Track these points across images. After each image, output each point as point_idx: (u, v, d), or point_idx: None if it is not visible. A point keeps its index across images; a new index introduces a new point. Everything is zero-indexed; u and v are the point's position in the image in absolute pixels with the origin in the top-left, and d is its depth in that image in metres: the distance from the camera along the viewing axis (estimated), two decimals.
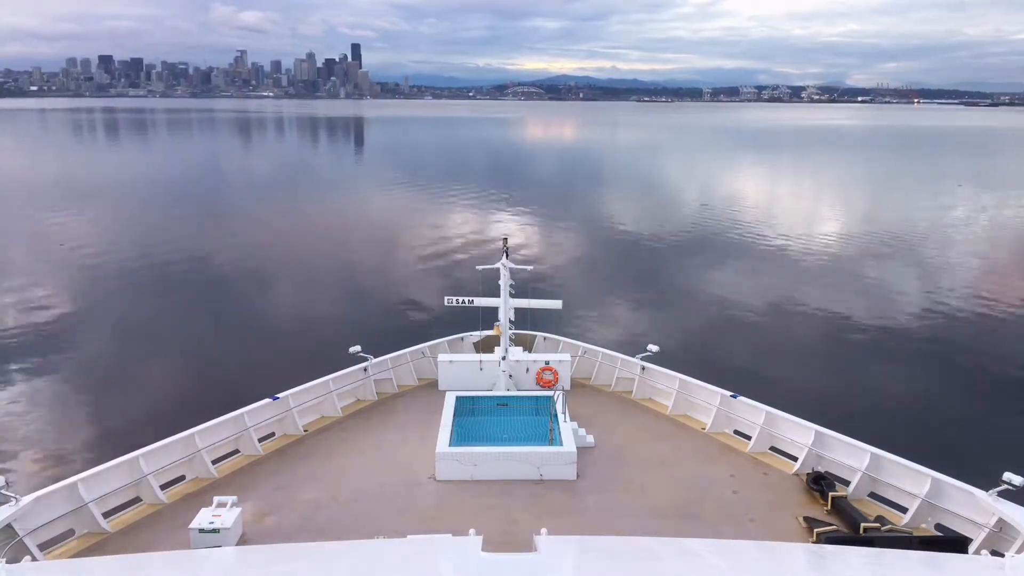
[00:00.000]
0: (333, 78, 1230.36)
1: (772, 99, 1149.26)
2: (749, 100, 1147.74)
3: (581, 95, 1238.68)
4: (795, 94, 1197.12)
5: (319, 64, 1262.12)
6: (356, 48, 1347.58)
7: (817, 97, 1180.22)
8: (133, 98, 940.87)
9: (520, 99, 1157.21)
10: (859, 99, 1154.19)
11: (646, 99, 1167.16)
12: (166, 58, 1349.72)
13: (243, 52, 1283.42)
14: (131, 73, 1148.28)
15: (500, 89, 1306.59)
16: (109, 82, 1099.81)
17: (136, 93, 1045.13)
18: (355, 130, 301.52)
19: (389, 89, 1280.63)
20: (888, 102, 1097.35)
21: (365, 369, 24.22)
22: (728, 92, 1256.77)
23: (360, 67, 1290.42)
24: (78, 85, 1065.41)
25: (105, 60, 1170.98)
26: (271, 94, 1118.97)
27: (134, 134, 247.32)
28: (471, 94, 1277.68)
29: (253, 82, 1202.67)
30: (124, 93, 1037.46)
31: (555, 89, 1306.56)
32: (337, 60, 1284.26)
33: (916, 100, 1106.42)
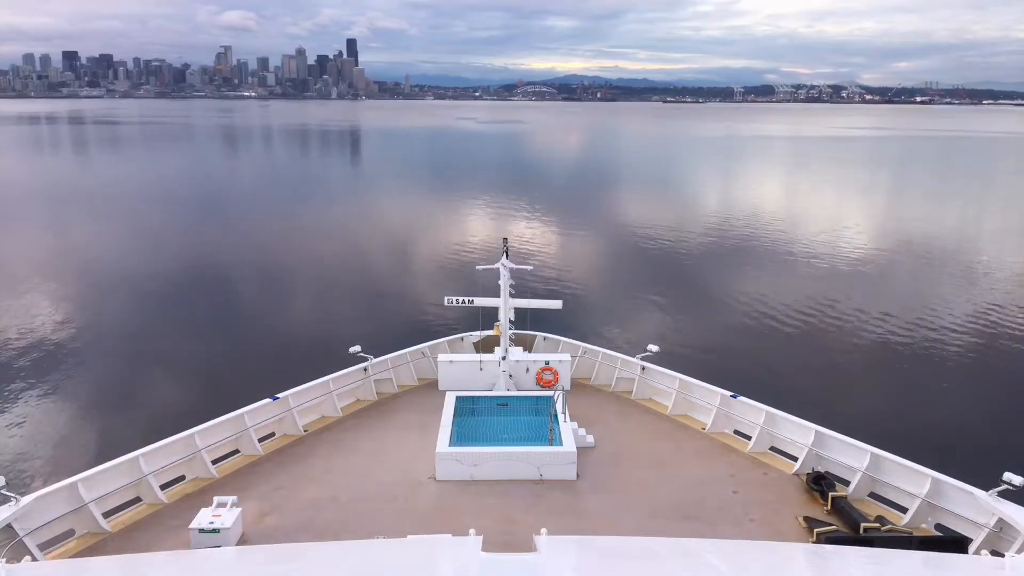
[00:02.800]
0: (325, 76, 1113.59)
1: (809, 99, 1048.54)
2: (785, 100, 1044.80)
3: (599, 95, 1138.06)
4: (835, 93, 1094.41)
5: (311, 61, 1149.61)
6: (352, 44, 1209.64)
7: (870, 98, 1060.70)
8: (86, 99, 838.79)
9: (531, 99, 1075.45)
10: (917, 100, 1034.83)
11: (670, 99, 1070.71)
12: (151, 56, 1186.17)
13: (227, 48, 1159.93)
14: (99, 71, 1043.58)
15: (509, 89, 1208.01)
16: (62, 80, 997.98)
17: (90, 93, 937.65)
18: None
19: (388, 89, 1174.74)
20: (949, 103, 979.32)
21: (365, 369, 24.20)
22: (760, 92, 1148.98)
23: (356, 64, 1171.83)
24: (25, 84, 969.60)
25: (70, 56, 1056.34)
26: (253, 94, 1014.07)
27: None
28: (477, 94, 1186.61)
29: (236, 80, 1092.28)
30: (76, 93, 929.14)
31: (568, 88, 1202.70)
32: (331, 57, 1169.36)
33: (981, 100, 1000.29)
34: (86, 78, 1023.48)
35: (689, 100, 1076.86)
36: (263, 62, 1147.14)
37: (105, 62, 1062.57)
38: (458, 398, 22.19)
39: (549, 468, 18.94)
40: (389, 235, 74.44)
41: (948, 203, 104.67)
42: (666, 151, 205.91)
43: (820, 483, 18.23)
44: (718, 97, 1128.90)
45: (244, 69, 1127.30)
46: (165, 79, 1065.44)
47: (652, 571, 10.79)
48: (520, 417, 21.79)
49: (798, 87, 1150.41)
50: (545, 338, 27.13)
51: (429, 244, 69.44)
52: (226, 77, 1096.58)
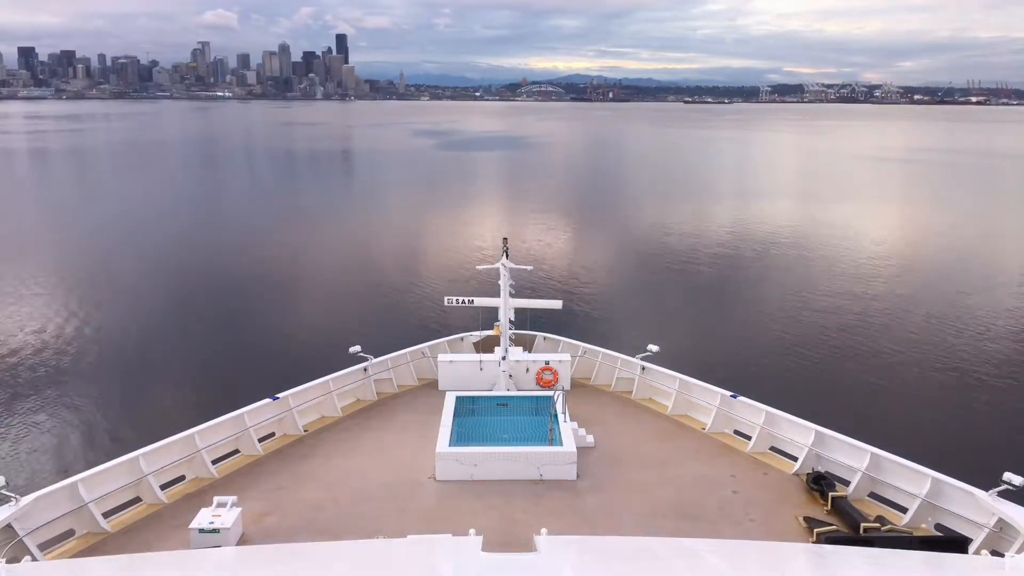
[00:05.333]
0: (312, 75, 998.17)
1: (841, 98, 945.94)
2: (818, 100, 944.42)
3: (611, 95, 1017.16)
4: (869, 92, 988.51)
5: (296, 58, 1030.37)
6: (342, 40, 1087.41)
7: (919, 99, 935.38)
8: (24, 100, 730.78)
9: (537, 99, 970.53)
10: (972, 100, 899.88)
11: (688, 100, 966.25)
12: (140, 56, 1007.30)
13: (205, 44, 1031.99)
14: (58, 69, 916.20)
15: (512, 88, 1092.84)
16: (3, 80, 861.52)
17: (32, 94, 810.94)
18: None
19: (380, 88, 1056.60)
20: (1005, 103, 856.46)
21: (365, 369, 24.20)
22: (785, 91, 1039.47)
23: (346, 62, 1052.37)
24: None
25: (25, 53, 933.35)
26: (229, 94, 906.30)
27: None
28: (478, 94, 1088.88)
29: (211, 79, 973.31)
30: (15, 94, 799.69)
31: (576, 88, 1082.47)
32: (319, 54, 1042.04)
33: None
34: (40, 76, 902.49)
35: (710, 100, 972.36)
36: (244, 59, 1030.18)
37: (66, 59, 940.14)
38: (458, 398, 22.18)
39: (549, 468, 18.93)
40: (389, 236, 74.43)
41: None
42: None
43: (820, 483, 18.22)
44: (740, 97, 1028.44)
45: (221, 67, 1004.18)
46: (129, 78, 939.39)
47: (652, 571, 10.80)
48: (520, 417, 21.79)
49: (829, 86, 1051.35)
50: (545, 338, 27.11)
51: (429, 245, 69.45)
52: (200, 76, 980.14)
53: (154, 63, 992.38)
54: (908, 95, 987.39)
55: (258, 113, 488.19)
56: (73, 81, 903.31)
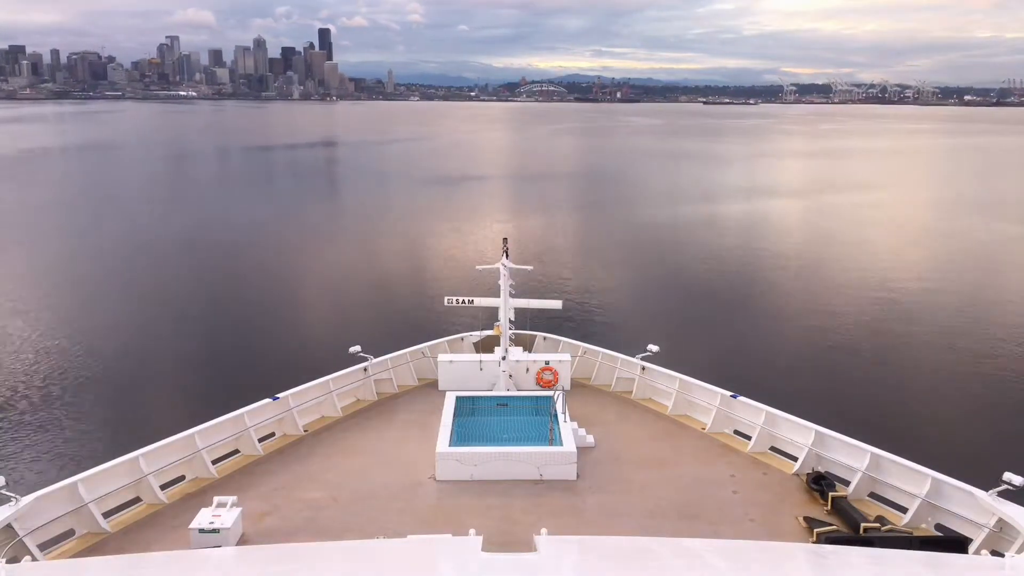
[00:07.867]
0: (290, 72, 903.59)
1: (869, 99, 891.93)
2: (847, 101, 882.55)
3: (619, 95, 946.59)
4: (900, 92, 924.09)
5: (275, 54, 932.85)
6: (325, 34, 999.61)
7: (971, 99, 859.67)
8: None
9: (537, 100, 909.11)
10: None
11: (704, 100, 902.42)
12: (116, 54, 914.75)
13: (174, 39, 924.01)
14: (5, 66, 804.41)
15: (511, 88, 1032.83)
16: None
17: None
18: None
19: (367, 87, 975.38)
20: None
21: (365, 369, 24.20)
22: (807, 91, 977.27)
23: (330, 58, 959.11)
24: None
25: None
26: (193, 93, 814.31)
27: None
28: (473, 93, 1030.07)
29: (176, 77, 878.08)
30: None
31: (578, 88, 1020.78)
32: (300, 50, 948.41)
33: None
34: None
35: (728, 101, 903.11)
36: (216, 55, 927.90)
37: (12, 56, 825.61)
38: (458, 398, 22.18)
39: (549, 468, 18.93)
40: (389, 236, 74.41)
41: None
42: None
43: (820, 483, 18.22)
44: (760, 97, 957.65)
45: (185, 64, 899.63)
46: (79, 75, 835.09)
47: (652, 571, 10.80)
48: (520, 417, 21.79)
49: (858, 85, 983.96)
50: (545, 338, 27.11)
51: (429, 245, 69.42)
52: (163, 73, 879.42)
53: (110, 59, 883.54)
54: (959, 96, 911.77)
55: (160, 118, 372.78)
56: (13, 79, 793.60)
